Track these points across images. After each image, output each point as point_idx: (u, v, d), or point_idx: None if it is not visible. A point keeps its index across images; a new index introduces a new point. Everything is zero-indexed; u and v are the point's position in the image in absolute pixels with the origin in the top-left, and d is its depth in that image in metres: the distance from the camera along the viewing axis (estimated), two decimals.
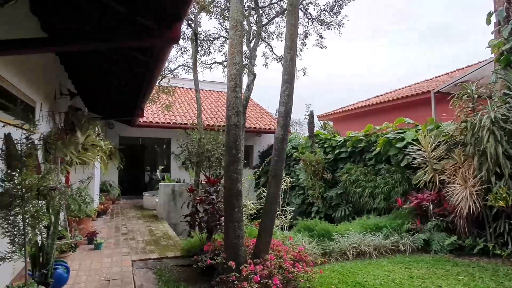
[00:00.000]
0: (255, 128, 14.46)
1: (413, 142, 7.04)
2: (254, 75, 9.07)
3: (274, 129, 14.42)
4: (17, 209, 2.85)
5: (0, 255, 2.88)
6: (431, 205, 6.30)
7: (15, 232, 2.92)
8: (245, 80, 9.33)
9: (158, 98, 9.89)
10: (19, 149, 2.93)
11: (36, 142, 3.18)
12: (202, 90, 18.37)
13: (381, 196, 7.93)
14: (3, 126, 3.34)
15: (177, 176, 13.48)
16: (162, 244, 6.08)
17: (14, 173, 2.89)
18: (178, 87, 15.99)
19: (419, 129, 7.34)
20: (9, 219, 2.88)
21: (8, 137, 3.52)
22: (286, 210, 7.25)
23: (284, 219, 7.11)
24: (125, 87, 7.22)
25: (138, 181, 15.90)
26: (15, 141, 3.15)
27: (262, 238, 3.97)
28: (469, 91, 6.14)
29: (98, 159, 6.87)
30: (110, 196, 11.49)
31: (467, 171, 5.94)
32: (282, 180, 6.51)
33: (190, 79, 17.18)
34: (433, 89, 9.60)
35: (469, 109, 6.17)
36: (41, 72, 5.36)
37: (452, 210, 5.96)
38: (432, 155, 6.50)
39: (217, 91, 18.70)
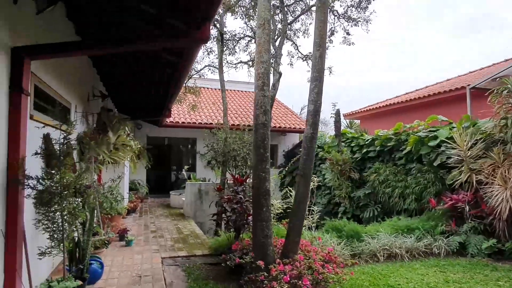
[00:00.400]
0: (280, 127, 14.38)
1: (447, 140, 6.74)
2: (280, 74, 9.02)
3: (299, 128, 14.31)
4: (56, 206, 2.96)
5: (40, 250, 3.01)
6: (467, 207, 6.01)
7: (54, 228, 3.04)
8: (270, 79, 9.33)
9: (185, 98, 10.04)
10: (58, 148, 3.04)
11: (72, 142, 3.30)
12: (227, 90, 18.49)
13: (412, 197, 7.66)
14: (43, 126, 3.48)
15: (202, 175, 13.65)
16: (190, 242, 6.16)
17: (53, 171, 3.00)
18: (203, 88, 16.15)
19: (454, 127, 7.03)
20: (49, 215, 3.00)
21: (47, 137, 3.68)
22: (313, 210, 7.14)
23: (311, 219, 7.01)
24: (153, 88, 7.38)
25: (164, 180, 16.25)
26: (53, 141, 3.29)
27: (291, 238, 3.92)
28: (509, 86, 5.80)
29: (128, 159, 7.07)
30: (138, 195, 11.81)
31: (507, 171, 5.61)
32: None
33: (215, 79, 17.36)
34: (468, 85, 9.16)
35: (510, 105, 5.83)
36: (76, 75, 5.57)
37: (491, 212, 5.65)
38: (469, 154, 6.19)
39: (242, 91, 18.77)
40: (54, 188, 2.94)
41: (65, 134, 3.15)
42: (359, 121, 15.86)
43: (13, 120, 2.85)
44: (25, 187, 2.85)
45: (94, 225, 5.02)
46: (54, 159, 3.04)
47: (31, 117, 3.41)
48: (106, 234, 5.42)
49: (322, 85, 3.99)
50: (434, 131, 7.38)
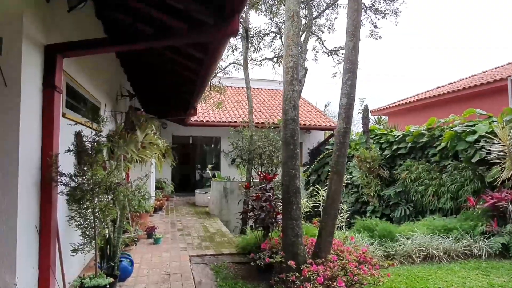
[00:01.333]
0: (304, 124, 14.14)
1: (487, 135, 6.34)
2: (306, 70, 8.83)
3: (324, 125, 14.02)
4: (87, 203, 2.96)
5: (73, 246, 3.01)
6: (511, 206, 5.61)
7: (86, 225, 3.04)
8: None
9: (210, 96, 10.04)
10: (90, 145, 3.04)
11: (102, 140, 3.29)
12: (252, 88, 18.44)
13: (448, 195, 7.27)
14: (75, 124, 3.50)
15: (227, 173, 13.65)
16: (216, 240, 6.11)
17: (85, 168, 3.00)
18: (227, 86, 16.15)
19: (494, 121, 6.60)
20: (81, 212, 3.01)
21: (79, 135, 3.71)
22: (342, 209, 6.92)
23: (341, 218, 6.79)
24: (179, 87, 7.40)
25: (189, 179, 16.41)
26: (84, 139, 3.30)
27: (323, 237, 3.77)
28: None
29: (155, 157, 7.13)
30: (164, 193, 11.96)
31: None
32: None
33: (239, 78, 17.35)
34: (509, 76, 8.60)
35: None
36: (105, 75, 5.64)
37: None
38: None
39: (266, 89, 18.65)
40: (86, 185, 2.94)
41: (96, 132, 3.13)
42: (387, 117, 15.36)
43: (47, 117, 2.87)
44: (58, 184, 2.86)
45: (124, 223, 5.06)
46: (86, 156, 3.04)
47: (63, 115, 3.44)
48: (135, 231, 5.46)
49: (355, 77, 3.80)
50: (472, 125, 6.96)
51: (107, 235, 3.64)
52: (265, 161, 8.23)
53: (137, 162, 7.39)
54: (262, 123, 9.04)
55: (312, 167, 12.03)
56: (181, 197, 13.27)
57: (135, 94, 7.48)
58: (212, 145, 16.07)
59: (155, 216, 8.57)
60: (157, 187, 11.74)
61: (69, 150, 2.93)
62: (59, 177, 2.83)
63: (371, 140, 10.27)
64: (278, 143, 8.16)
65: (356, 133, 12.78)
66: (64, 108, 3.51)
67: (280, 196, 6.04)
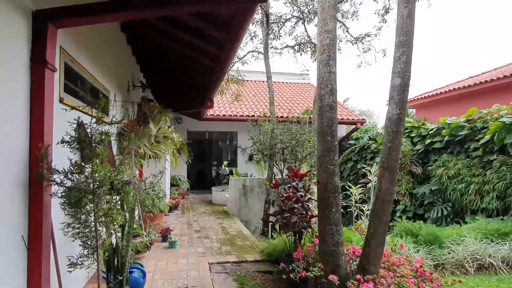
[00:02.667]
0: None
1: None
2: None
3: (346, 119, 13.23)
4: (88, 207, 2.39)
5: (70, 260, 2.45)
6: None
7: (87, 234, 2.48)
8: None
9: (227, 88, 9.44)
10: (90, 135, 2.46)
11: (107, 129, 2.72)
12: (266, 81, 17.78)
13: (493, 194, 6.47)
14: (71, 109, 2.95)
15: (244, 170, 13.06)
16: (238, 244, 5.52)
17: (84, 163, 2.43)
18: (243, 80, 15.52)
19: None
20: (80, 218, 2.44)
21: (81, 124, 3.14)
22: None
23: None
24: (196, 76, 6.83)
25: (205, 176, 15.92)
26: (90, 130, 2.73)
27: (372, 248, 3.11)
28: None
29: (170, 153, 6.58)
30: (180, 191, 11.47)
31: None
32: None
33: (256, 71, 16.70)
34: None
35: None
36: (115, 61, 5.11)
37: None
38: None
39: (284, 82, 17.95)
40: (85, 184, 2.37)
41: (97, 119, 2.55)
42: (414, 110, 14.42)
43: (36, 100, 2.31)
44: (51, 183, 2.30)
45: (135, 226, 4.52)
46: (86, 148, 2.47)
47: (61, 101, 2.88)
48: (148, 235, 4.92)
49: (411, 52, 3.11)
50: None
51: (114, 243, 3.08)
52: (287, 157, 7.59)
53: (150, 158, 6.91)
54: (281, 117, 8.36)
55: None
56: (197, 194, 12.78)
57: (148, 85, 6.94)
58: (228, 141, 15.51)
59: (170, 216, 8.06)
60: (172, 185, 11.26)
61: (63, 141, 2.36)
62: (51, 175, 2.26)
63: None
64: (302, 136, 7.52)
65: (382, 127, 11.96)
66: (63, 93, 2.95)
67: (312, 197, 5.38)
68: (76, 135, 2.44)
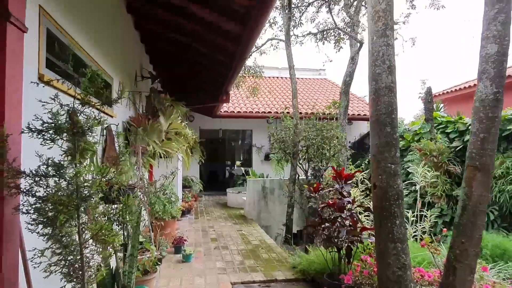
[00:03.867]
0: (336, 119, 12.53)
1: None
2: (361, 44, 7.26)
3: (367, 115, 12.31)
4: (68, 225, 1.63)
5: None
6: None
7: (71, 261, 1.73)
8: (347, 50, 7.51)
9: (243, 81, 8.66)
10: (66, 120, 1.70)
11: (103, 120, 1.97)
12: (281, 77, 16.98)
13: None
14: (56, 92, 2.21)
15: (259, 170, 12.30)
16: (262, 257, 4.74)
17: (64, 163, 1.67)
18: (261, 72, 14.70)
19: None
20: (61, 240, 1.69)
21: (73, 113, 2.41)
22: (426, 216, 5.39)
23: (420, 227, 5.25)
24: (212, 65, 6.08)
25: (218, 176, 15.21)
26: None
27: (459, 275, 2.29)
28: None
29: (182, 151, 5.84)
30: (192, 193, 10.76)
31: None
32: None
33: (271, 67, 15.91)
34: None
35: None
36: (120, 46, 4.39)
37: None
38: None
39: (302, 78, 17.09)
40: (66, 192, 1.61)
41: (80, 100, 1.79)
42: (443, 104, 13.42)
43: None
44: (16, 192, 1.55)
45: (142, 239, 3.78)
46: (71, 141, 1.71)
47: (41, 78, 2.14)
48: (159, 249, 4.18)
49: (510, 10, 2.29)
50: None
51: (114, 267, 2.34)
52: (312, 155, 6.77)
53: (161, 157, 6.22)
54: (301, 113, 7.55)
55: (360, 163, 10.40)
56: (210, 196, 12.06)
57: (158, 77, 6.22)
58: (242, 140, 14.78)
59: (183, 221, 7.34)
60: (184, 186, 10.56)
61: (30, 129, 1.59)
62: (15, 179, 1.52)
63: (435, 130, 8.56)
64: (329, 132, 6.69)
65: (411, 122, 11.04)
66: (44, 69, 2.22)
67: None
68: (54, 121, 1.68)
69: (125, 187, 2.52)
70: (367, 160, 10.46)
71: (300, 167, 7.10)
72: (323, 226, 3.29)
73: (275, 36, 8.51)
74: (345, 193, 3.31)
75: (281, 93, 14.37)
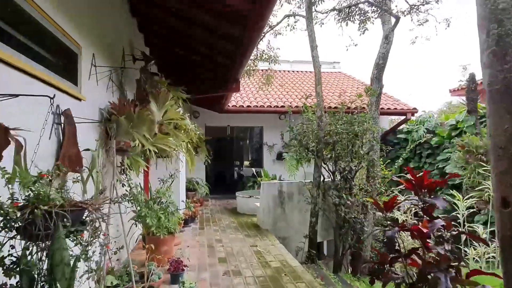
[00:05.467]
0: (363, 108, 11.26)
1: None
2: (397, 19, 6.03)
3: (394, 109, 11.06)
4: None
5: None
6: None
7: None
8: (378, 27, 6.30)
9: (255, 69, 7.48)
10: None
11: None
12: (293, 71, 15.78)
13: None
14: None
15: (271, 171, 11.11)
16: None
17: None
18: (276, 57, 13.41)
19: None
20: None
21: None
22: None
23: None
24: (220, 43, 4.92)
25: (226, 178, 14.08)
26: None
27: None
28: None
29: (183, 149, 4.67)
30: (197, 197, 9.62)
31: None
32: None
33: (282, 60, 14.69)
34: None
35: None
36: (95, 8, 3.25)
37: None
38: None
39: (312, 72, 15.87)
40: None
41: None
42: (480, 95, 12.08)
43: None
44: None
45: (120, 275, 2.63)
46: None
47: None
48: (148, 281, 3.02)
49: None
50: None
51: None
52: (339, 153, 5.57)
53: (159, 157, 5.12)
54: (334, 107, 6.32)
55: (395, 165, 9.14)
56: (217, 200, 10.92)
57: (153, 59, 5.06)
58: (252, 138, 13.63)
59: (186, 232, 6.20)
60: (188, 189, 9.42)
61: None
62: None
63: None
64: (362, 125, 5.49)
65: (445, 116, 9.76)
66: None
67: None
68: None
69: (65, 208, 1.36)
70: (401, 159, 9.22)
71: (325, 168, 5.91)
72: (392, 264, 2.09)
73: (293, 11, 7.29)
74: (432, 207, 2.09)
75: (293, 86, 13.17)
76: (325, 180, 5.89)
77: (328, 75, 15.51)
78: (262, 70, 8.68)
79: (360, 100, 5.83)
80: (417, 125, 10.22)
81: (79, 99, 2.83)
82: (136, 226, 4.06)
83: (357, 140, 5.52)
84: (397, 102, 11.51)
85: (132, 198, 3.90)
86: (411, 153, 10.04)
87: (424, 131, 9.64)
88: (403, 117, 11.19)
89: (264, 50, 7.38)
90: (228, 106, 9.82)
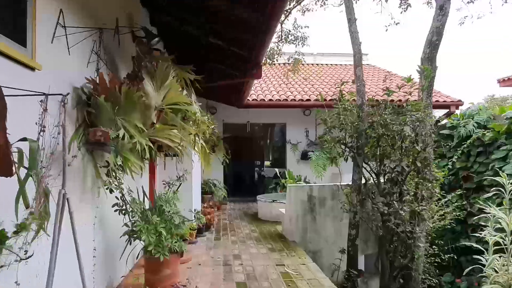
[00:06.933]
0: (400, 101, 9.99)
1: None
2: None
3: (435, 101, 9.72)
4: None
5: None
6: None
7: None
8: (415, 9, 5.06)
9: (279, 52, 6.45)
10: None
11: None
12: (317, 64, 14.65)
13: None
14: None
15: (295, 172, 10.04)
16: None
17: None
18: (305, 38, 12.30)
19: None
20: None
21: None
22: None
23: None
24: (237, 20, 3.96)
25: (244, 179, 13.14)
26: None
27: None
28: None
29: (191, 144, 3.70)
30: (214, 201, 8.72)
31: None
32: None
33: (304, 53, 13.63)
34: None
35: None
36: None
37: None
38: None
39: (335, 65, 14.74)
40: None
41: None
42: None
43: None
44: None
45: None
46: None
47: None
48: None
49: None
50: None
51: None
52: (388, 150, 4.47)
53: (167, 155, 4.30)
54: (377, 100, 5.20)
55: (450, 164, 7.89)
56: (236, 203, 9.99)
57: (157, 35, 4.15)
58: (272, 135, 12.61)
59: (198, 243, 5.28)
60: (204, 192, 8.53)
61: None
62: None
63: None
64: (416, 114, 4.39)
65: (500, 108, 8.39)
66: None
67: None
68: None
69: None
70: (456, 156, 7.97)
71: (365, 169, 4.82)
72: None
73: None
74: None
75: (318, 79, 12.06)
76: (367, 183, 4.80)
77: (352, 69, 14.31)
78: (293, 37, 7.44)
79: (410, 85, 4.70)
80: (464, 119, 8.89)
81: (30, 68, 1.92)
82: (130, 244, 3.14)
83: (408, 133, 4.42)
84: (438, 94, 10.16)
85: (123, 207, 2.99)
86: (456, 150, 8.75)
87: (474, 126, 8.32)
88: (445, 111, 9.88)
89: (290, 31, 6.35)
90: (248, 100, 8.86)
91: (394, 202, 4.15)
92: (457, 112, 9.63)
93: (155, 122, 2.93)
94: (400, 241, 4.39)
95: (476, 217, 5.35)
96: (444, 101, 9.69)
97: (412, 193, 4.34)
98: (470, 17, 8.01)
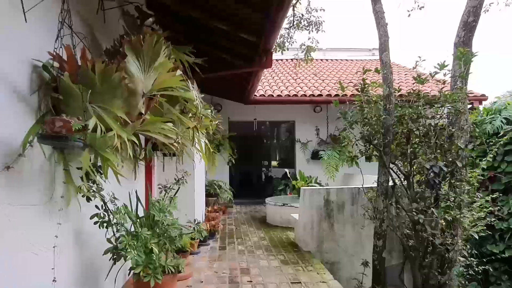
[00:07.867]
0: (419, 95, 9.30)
1: None
2: None
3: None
4: None
5: None
6: None
7: None
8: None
9: (290, 40, 5.84)
10: None
11: None
12: (327, 59, 13.99)
13: None
14: None
15: (305, 173, 9.41)
16: None
17: None
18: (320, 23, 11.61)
19: None
20: None
21: None
22: None
23: None
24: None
25: (251, 180, 12.56)
26: None
27: None
28: None
29: (187, 139, 3.08)
30: (219, 203, 8.13)
31: None
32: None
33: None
34: None
35: None
36: None
37: None
38: None
39: (346, 60, 14.09)
40: None
41: None
42: None
43: None
44: None
45: None
46: None
47: None
48: None
49: None
50: None
51: None
52: (422, 147, 3.83)
53: (166, 155, 3.76)
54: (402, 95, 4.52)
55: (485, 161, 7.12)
56: (242, 206, 9.39)
57: (152, 15, 3.55)
58: (280, 134, 12.00)
59: (201, 254, 4.68)
60: (209, 195, 7.95)
61: None
62: None
63: None
64: (455, 107, 3.74)
65: None
66: None
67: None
68: None
69: None
70: (495, 150, 7.22)
71: (392, 170, 4.17)
72: None
73: None
74: None
75: (329, 75, 11.41)
76: (395, 186, 4.16)
77: (367, 63, 13.61)
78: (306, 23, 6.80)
79: (445, 71, 4.05)
80: (490, 115, 8.18)
81: None
82: (115, 263, 2.54)
83: (444, 128, 3.78)
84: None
85: (104, 219, 2.39)
86: (478, 149, 8.03)
87: (502, 122, 7.60)
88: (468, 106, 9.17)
89: (303, 15, 5.72)
90: (255, 95, 8.26)
91: (432, 208, 3.50)
92: (480, 107, 8.92)
93: (143, 112, 2.33)
94: (436, 254, 3.74)
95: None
96: (467, 96, 8.97)
97: (452, 198, 3.68)
98: (496, 4, 7.26)
